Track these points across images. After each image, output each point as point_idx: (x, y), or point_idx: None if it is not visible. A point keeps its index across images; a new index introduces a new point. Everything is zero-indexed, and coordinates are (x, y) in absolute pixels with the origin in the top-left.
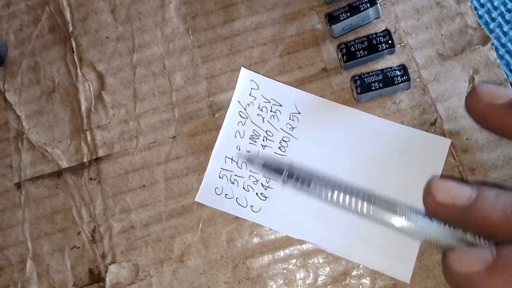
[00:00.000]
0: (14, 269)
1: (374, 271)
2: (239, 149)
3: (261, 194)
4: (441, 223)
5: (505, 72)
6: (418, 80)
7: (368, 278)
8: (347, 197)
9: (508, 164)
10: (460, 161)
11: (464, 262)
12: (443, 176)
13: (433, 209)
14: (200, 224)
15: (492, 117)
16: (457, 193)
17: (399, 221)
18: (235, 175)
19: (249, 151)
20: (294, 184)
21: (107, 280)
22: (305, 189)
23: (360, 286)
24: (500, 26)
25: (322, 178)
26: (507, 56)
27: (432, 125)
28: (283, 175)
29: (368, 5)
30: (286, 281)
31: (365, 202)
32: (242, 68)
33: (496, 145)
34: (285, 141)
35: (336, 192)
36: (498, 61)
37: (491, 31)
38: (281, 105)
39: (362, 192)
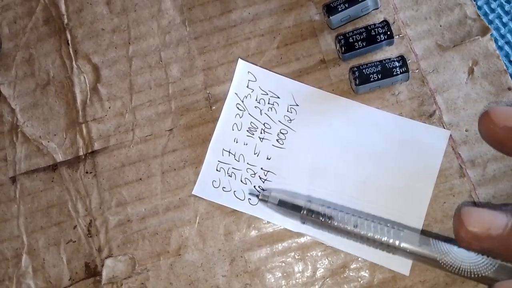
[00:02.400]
0: (9, 263)
1: (373, 263)
2: (237, 142)
3: (258, 187)
4: (478, 255)
5: (505, 63)
6: (417, 71)
7: (367, 270)
8: (373, 232)
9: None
10: (459, 153)
11: None
12: (443, 172)
13: (467, 241)
14: (197, 217)
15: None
16: (492, 223)
17: (434, 253)
18: (233, 168)
19: (261, 189)
20: (314, 220)
21: (104, 274)
22: (327, 224)
23: (359, 279)
24: (499, 16)
25: (342, 213)
26: (506, 47)
27: (431, 117)
28: (302, 211)
29: None
30: (285, 274)
31: (393, 237)
32: (239, 60)
33: None
34: (283, 134)
35: (360, 227)
36: (497, 52)
37: (490, 22)
38: (278, 97)
39: (387, 225)
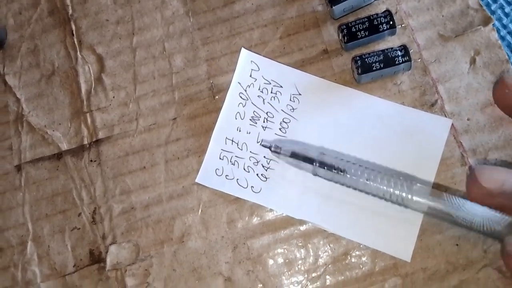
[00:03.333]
0: (14, 250)
1: (375, 250)
2: (240, 131)
3: (261, 175)
4: (490, 210)
5: (507, 53)
6: (419, 61)
7: (368, 257)
8: (386, 184)
9: (509, 145)
10: (460, 142)
11: None
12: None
13: (481, 197)
14: (201, 205)
15: None
16: (505, 179)
17: (446, 207)
18: (236, 156)
19: (273, 143)
20: (326, 173)
21: (108, 260)
22: (338, 177)
23: (361, 266)
24: (501, 7)
25: (355, 165)
26: (508, 37)
27: (433, 106)
28: (314, 163)
29: None
30: (287, 260)
31: (406, 190)
32: (243, 49)
33: (497, 125)
34: (285, 122)
35: (373, 179)
36: (499, 42)
37: (493, 12)
38: (281, 86)
39: (401, 179)
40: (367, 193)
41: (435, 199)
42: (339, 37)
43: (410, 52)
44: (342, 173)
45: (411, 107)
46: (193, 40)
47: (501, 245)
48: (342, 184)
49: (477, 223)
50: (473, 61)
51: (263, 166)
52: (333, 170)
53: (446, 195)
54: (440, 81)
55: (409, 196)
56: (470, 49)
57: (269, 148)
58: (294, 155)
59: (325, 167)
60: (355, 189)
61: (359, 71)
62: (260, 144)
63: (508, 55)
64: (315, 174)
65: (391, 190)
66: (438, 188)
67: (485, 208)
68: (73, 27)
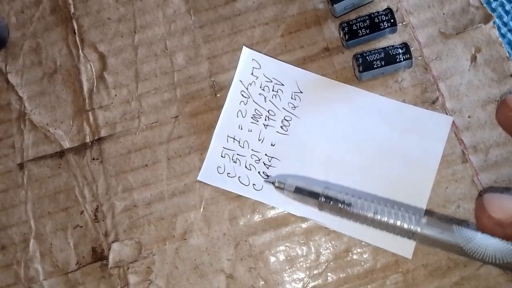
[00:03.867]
0: (17, 248)
1: (376, 247)
2: (241, 128)
3: (263, 172)
4: (502, 241)
5: (507, 50)
6: (420, 58)
7: (369, 254)
8: (394, 218)
9: (510, 141)
10: (461, 139)
11: None
12: (446, 157)
13: (491, 228)
14: (203, 203)
15: None
16: None
17: (457, 240)
18: (237, 154)
19: (276, 180)
20: (332, 207)
21: (110, 257)
22: (345, 211)
23: (362, 263)
24: (502, 4)
25: (361, 199)
26: (509, 35)
27: (434, 103)
28: (320, 198)
29: None
30: (288, 258)
31: (414, 224)
32: (244, 47)
33: None
34: (287, 120)
35: (380, 213)
36: (500, 39)
37: (493, 9)
38: (283, 84)
39: (409, 213)
40: (374, 226)
41: (445, 232)
42: (340, 35)
43: (411, 49)
44: (348, 207)
45: (412, 105)
46: (194, 38)
47: None
48: (349, 219)
49: (489, 255)
50: (474, 59)
51: (264, 164)
52: (339, 205)
53: (456, 227)
54: (441, 78)
55: (418, 230)
56: (471, 46)
57: (272, 183)
58: (298, 190)
59: (331, 202)
60: (362, 223)
61: (360, 69)
62: (264, 180)
63: (508, 53)
64: (321, 209)
65: (399, 223)
66: (439, 187)
67: (497, 239)
68: (75, 26)
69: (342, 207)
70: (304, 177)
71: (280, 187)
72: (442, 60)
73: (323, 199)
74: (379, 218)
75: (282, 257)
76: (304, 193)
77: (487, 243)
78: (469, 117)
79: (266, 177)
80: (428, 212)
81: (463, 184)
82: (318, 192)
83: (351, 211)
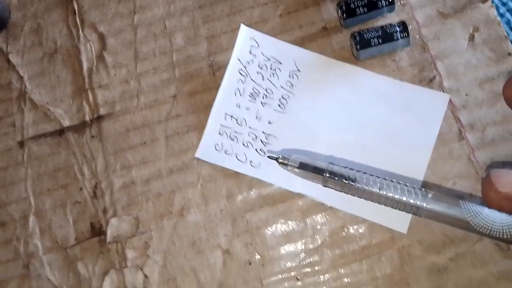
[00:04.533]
0: (17, 224)
1: (371, 223)
2: (239, 107)
3: (260, 150)
4: (509, 215)
5: (506, 30)
6: (418, 38)
7: (365, 230)
8: (399, 194)
9: (507, 120)
10: (458, 117)
11: None
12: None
13: (498, 203)
14: (200, 180)
15: None
16: None
17: (464, 215)
18: (235, 131)
19: (281, 156)
20: (336, 183)
21: (108, 233)
22: (349, 187)
23: (358, 239)
24: None
25: (366, 175)
26: (507, 14)
27: (431, 82)
28: (324, 173)
29: None
30: (285, 234)
31: (420, 199)
32: (242, 25)
33: (496, 101)
34: (284, 99)
35: (386, 188)
36: (498, 18)
37: None
38: (281, 63)
39: (415, 188)
40: (379, 202)
41: (452, 207)
42: (338, 14)
43: (408, 28)
44: (353, 183)
45: (410, 83)
46: (193, 19)
47: None
48: (353, 194)
49: (496, 230)
50: (472, 38)
51: (261, 141)
52: (344, 180)
53: (463, 202)
54: (439, 57)
55: (424, 205)
56: (469, 26)
57: (276, 159)
58: (302, 166)
59: (336, 178)
60: (366, 198)
61: (358, 47)
62: (267, 156)
63: (507, 32)
64: (325, 185)
65: (405, 199)
66: (435, 165)
67: (504, 214)
68: (75, 6)
69: (347, 182)
70: (308, 153)
71: (284, 163)
72: (440, 39)
73: (327, 174)
74: (384, 193)
75: (278, 233)
76: (308, 169)
77: (494, 218)
78: (466, 95)
79: (263, 154)
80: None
81: (459, 162)
82: (323, 167)
83: (356, 186)
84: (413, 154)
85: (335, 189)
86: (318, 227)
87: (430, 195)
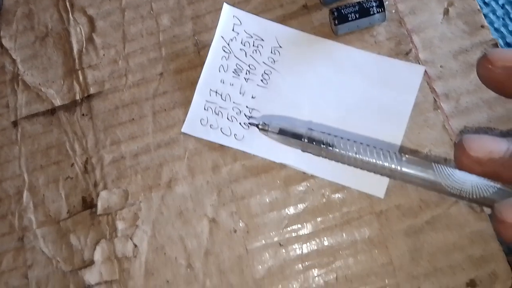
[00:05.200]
0: (11, 200)
1: (351, 190)
2: (223, 83)
3: (244, 123)
4: (479, 177)
5: (479, 3)
6: (394, 13)
7: (345, 197)
8: (375, 157)
9: (480, 89)
10: (434, 87)
11: None
12: (419, 105)
13: (469, 166)
14: (187, 153)
15: (510, 80)
16: (494, 147)
17: (436, 177)
18: (220, 107)
19: (263, 122)
20: (315, 148)
21: (99, 205)
22: (327, 152)
23: (338, 205)
24: None
25: (344, 140)
26: None
27: (407, 55)
28: (302, 139)
29: None
30: (268, 202)
31: (396, 163)
32: (225, 4)
33: (470, 71)
34: (267, 74)
35: (362, 153)
36: None
37: None
38: (263, 40)
39: (390, 151)
40: (356, 166)
41: (425, 170)
42: None
43: (385, 4)
44: (331, 148)
45: (387, 56)
46: (179, 0)
47: (491, 212)
48: (331, 158)
49: (466, 191)
50: (446, 12)
51: (245, 115)
52: (322, 145)
53: (435, 165)
54: (415, 31)
55: (399, 168)
56: (444, 0)
57: (257, 126)
58: (282, 132)
59: (314, 143)
60: (344, 163)
61: (336, 22)
62: (248, 123)
63: (480, 6)
64: (304, 150)
65: (381, 163)
66: (411, 133)
67: (474, 176)
68: None
69: (325, 147)
70: (288, 119)
71: (264, 129)
72: (416, 14)
73: (306, 140)
74: (360, 157)
75: (262, 201)
76: (287, 134)
77: (465, 180)
78: (441, 67)
79: (247, 127)
80: None
81: (434, 130)
82: (302, 133)
83: (333, 151)
84: (390, 123)
85: (314, 154)
86: (300, 195)
87: (404, 158)
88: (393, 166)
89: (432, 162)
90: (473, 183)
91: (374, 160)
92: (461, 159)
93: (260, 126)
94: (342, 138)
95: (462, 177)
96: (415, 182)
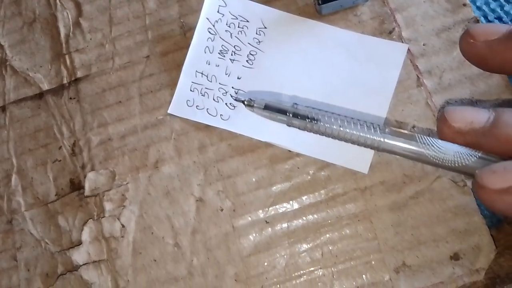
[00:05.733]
0: (0, 183)
1: (336, 167)
2: (209, 64)
3: (230, 104)
4: (461, 147)
5: None
6: None
7: (330, 173)
8: (359, 130)
9: (463, 65)
10: (417, 65)
11: (498, 180)
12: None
13: (451, 137)
14: (173, 134)
15: (492, 54)
16: (475, 117)
17: (419, 147)
18: (206, 88)
19: (249, 98)
20: (300, 123)
21: (86, 186)
22: (312, 126)
23: (323, 182)
24: None
25: (328, 113)
26: None
27: (391, 33)
28: (288, 114)
29: None
30: (255, 180)
31: (380, 135)
32: None
33: (452, 48)
34: (252, 55)
35: (346, 126)
36: None
37: None
38: (248, 21)
39: (373, 124)
40: (340, 139)
41: (408, 141)
42: None
43: None
44: (316, 122)
45: (371, 35)
46: None
47: (472, 180)
48: (316, 132)
49: (449, 160)
50: None
51: (231, 96)
52: (307, 120)
53: (418, 136)
54: (398, 10)
55: (382, 140)
56: None
57: (243, 102)
58: (268, 107)
59: (299, 117)
60: (329, 136)
61: (320, 2)
62: (234, 99)
63: None
64: (289, 125)
65: (365, 135)
66: (395, 110)
67: (457, 146)
68: None
69: (309, 121)
70: (274, 94)
71: (250, 105)
72: None
73: (291, 114)
74: (345, 130)
75: (248, 180)
76: (273, 110)
77: (447, 149)
78: (424, 44)
79: (233, 107)
80: None
81: (418, 106)
82: (287, 108)
83: (318, 125)
84: (374, 100)
85: (300, 129)
86: (286, 173)
87: (387, 130)
88: (377, 138)
89: (416, 134)
90: (455, 153)
91: (358, 133)
92: (443, 130)
93: (246, 102)
94: (326, 111)
95: (445, 147)
96: (399, 153)
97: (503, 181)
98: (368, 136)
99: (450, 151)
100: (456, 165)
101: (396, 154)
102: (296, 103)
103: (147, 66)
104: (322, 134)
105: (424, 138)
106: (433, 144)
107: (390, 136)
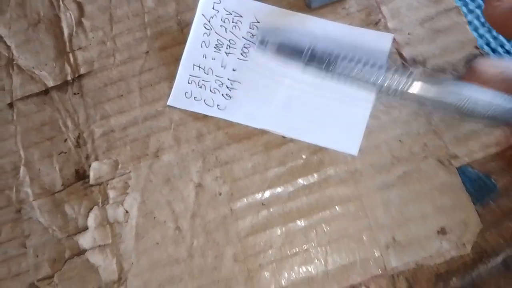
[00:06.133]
0: (8, 175)
1: (328, 152)
2: (205, 57)
3: (226, 94)
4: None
5: None
6: None
7: (322, 157)
8: (384, 74)
9: (446, 52)
10: (402, 53)
11: None
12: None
13: (481, 82)
14: (172, 124)
15: None
16: (505, 67)
17: (445, 92)
18: (203, 80)
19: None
20: (317, 65)
21: (91, 175)
22: (331, 69)
23: (316, 166)
24: None
25: (344, 56)
26: None
27: (377, 24)
28: (303, 56)
29: None
30: (250, 166)
31: (405, 78)
32: None
33: (435, 37)
34: (246, 48)
35: (370, 69)
36: None
37: None
38: (241, 16)
39: (399, 68)
40: (358, 83)
41: (435, 86)
42: None
43: None
44: (333, 63)
45: (358, 27)
46: None
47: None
48: (332, 76)
49: (479, 104)
50: None
51: (227, 87)
52: (324, 62)
53: (446, 81)
54: (384, 2)
55: (409, 82)
56: None
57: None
58: (281, 48)
59: (315, 59)
60: (346, 79)
61: None
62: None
63: None
64: (308, 64)
65: (389, 82)
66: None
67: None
68: None
69: (328, 60)
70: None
71: (263, 43)
72: None
73: (307, 57)
74: (374, 76)
75: (244, 166)
76: (287, 51)
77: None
78: (409, 34)
79: (229, 98)
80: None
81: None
82: (303, 50)
83: (334, 67)
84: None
85: (317, 68)
86: (281, 158)
87: (413, 73)
88: (402, 79)
89: (442, 78)
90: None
91: (383, 78)
92: (473, 77)
93: (258, 41)
94: (342, 56)
95: (478, 90)
96: (425, 97)
97: None
98: (393, 81)
99: (482, 94)
100: (490, 111)
101: (420, 102)
102: (314, 44)
103: (147, 61)
104: (339, 78)
105: (451, 83)
106: (460, 87)
107: (415, 83)
